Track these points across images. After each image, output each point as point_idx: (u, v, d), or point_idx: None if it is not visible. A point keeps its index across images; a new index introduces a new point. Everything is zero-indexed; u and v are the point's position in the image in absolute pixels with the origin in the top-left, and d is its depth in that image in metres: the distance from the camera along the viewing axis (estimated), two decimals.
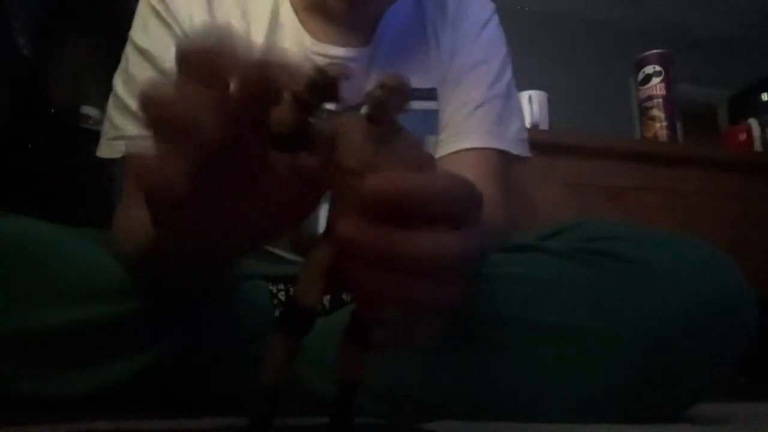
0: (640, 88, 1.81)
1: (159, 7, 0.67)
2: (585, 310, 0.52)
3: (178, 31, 0.66)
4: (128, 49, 0.68)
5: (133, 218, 0.45)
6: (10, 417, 0.46)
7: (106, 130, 0.67)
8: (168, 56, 0.65)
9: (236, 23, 0.69)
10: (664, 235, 0.58)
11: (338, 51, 0.70)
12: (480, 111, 0.72)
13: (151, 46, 0.66)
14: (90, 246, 0.56)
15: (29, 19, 1.14)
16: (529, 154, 0.76)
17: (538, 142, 1.54)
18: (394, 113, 0.30)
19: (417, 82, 0.71)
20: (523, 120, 0.77)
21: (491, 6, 0.80)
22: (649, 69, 1.80)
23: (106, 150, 0.66)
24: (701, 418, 0.58)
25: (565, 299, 0.53)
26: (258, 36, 0.69)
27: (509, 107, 0.75)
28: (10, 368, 0.51)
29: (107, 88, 0.68)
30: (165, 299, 0.50)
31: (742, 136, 1.90)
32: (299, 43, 0.70)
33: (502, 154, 0.72)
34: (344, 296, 0.56)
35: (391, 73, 0.29)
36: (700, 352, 0.52)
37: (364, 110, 0.30)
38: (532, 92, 1.73)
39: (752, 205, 1.63)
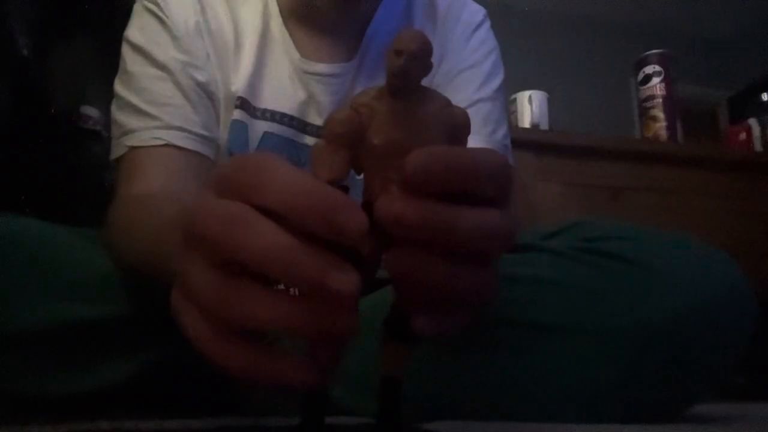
0: (640, 88, 1.82)
1: (152, 7, 0.67)
2: (584, 310, 0.52)
3: (173, 30, 0.67)
4: (124, 50, 0.68)
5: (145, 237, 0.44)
6: (10, 417, 0.46)
7: (114, 133, 0.66)
8: (164, 52, 0.65)
9: (228, 31, 0.69)
10: (663, 234, 0.58)
11: (325, 68, 0.71)
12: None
13: (147, 43, 0.66)
14: (89, 246, 0.56)
15: (29, 19, 1.14)
16: (512, 163, 0.76)
17: (538, 142, 1.55)
18: (418, 79, 0.27)
19: None
20: (508, 129, 0.76)
21: (482, 11, 0.80)
22: (649, 69, 1.80)
23: (115, 150, 0.65)
24: (701, 418, 0.58)
25: (564, 299, 0.53)
26: (249, 49, 0.69)
27: (496, 112, 0.75)
28: (11, 367, 0.51)
29: (107, 88, 0.68)
30: (164, 299, 0.50)
31: (742, 136, 1.90)
32: (289, 59, 0.71)
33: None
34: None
35: (408, 32, 0.26)
36: (699, 351, 0.52)
37: (384, 83, 0.27)
38: (532, 92, 1.73)
39: (752, 205, 1.63)
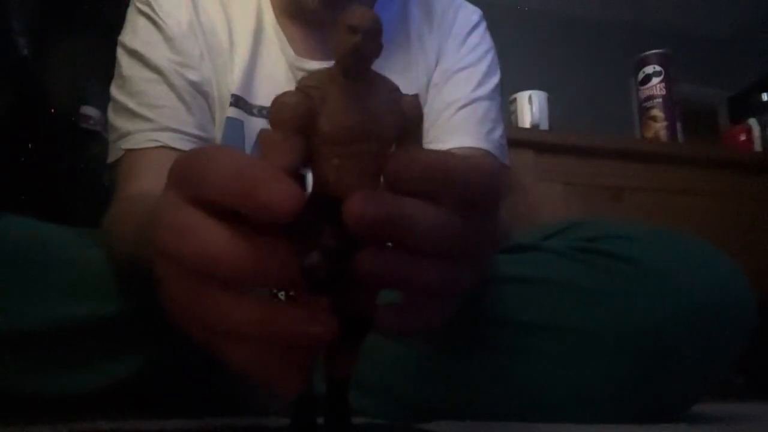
0: (640, 88, 1.81)
1: (146, 9, 0.68)
2: (585, 310, 0.52)
3: (166, 31, 0.67)
4: (119, 54, 0.68)
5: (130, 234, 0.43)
6: (10, 417, 0.46)
7: (110, 137, 0.67)
8: (157, 53, 0.65)
9: (221, 30, 0.69)
10: (663, 234, 0.58)
11: (320, 65, 0.69)
12: (463, 111, 0.72)
13: (141, 46, 0.66)
14: (89, 246, 0.56)
15: (29, 19, 1.14)
16: (508, 162, 0.77)
17: (538, 142, 1.55)
18: (371, 59, 0.25)
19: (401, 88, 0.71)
20: (503, 129, 0.77)
21: (478, 12, 0.80)
22: (649, 69, 1.79)
23: (112, 154, 0.65)
24: (701, 418, 0.58)
25: (565, 299, 0.53)
26: (243, 47, 0.69)
27: (492, 112, 0.75)
28: (11, 367, 0.51)
29: (107, 88, 0.68)
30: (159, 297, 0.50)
31: (742, 136, 1.89)
32: (283, 57, 0.70)
33: (486, 154, 0.72)
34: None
35: (359, 9, 0.24)
36: (699, 351, 0.52)
37: (336, 64, 0.26)
38: (532, 92, 1.73)
39: (752, 205, 1.63)
